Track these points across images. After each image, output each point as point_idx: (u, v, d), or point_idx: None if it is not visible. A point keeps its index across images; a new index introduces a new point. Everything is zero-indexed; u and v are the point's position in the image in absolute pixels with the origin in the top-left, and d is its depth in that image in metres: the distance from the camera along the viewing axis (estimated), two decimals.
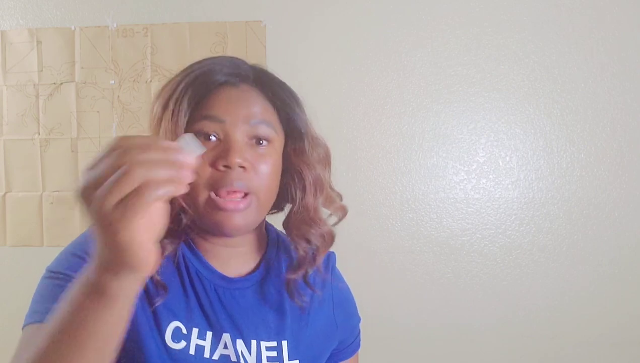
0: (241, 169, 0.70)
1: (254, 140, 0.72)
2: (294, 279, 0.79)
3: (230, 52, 1.65)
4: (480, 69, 1.63)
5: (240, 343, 0.74)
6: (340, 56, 1.65)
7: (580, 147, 1.62)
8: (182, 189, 0.45)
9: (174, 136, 0.70)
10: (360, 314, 0.92)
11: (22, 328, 0.66)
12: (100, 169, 0.44)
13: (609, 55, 1.60)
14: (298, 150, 0.78)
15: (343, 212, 0.83)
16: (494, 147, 1.65)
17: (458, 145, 1.65)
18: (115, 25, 1.69)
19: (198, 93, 0.73)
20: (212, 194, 0.69)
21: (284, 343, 0.77)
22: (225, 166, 0.69)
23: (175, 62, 1.67)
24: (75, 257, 0.69)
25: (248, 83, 0.76)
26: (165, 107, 0.72)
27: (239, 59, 0.79)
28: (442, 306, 1.66)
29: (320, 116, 0.81)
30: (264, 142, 0.73)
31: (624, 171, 1.61)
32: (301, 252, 0.79)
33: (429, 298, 1.66)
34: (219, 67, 0.75)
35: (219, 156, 0.69)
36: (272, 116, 0.75)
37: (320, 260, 0.80)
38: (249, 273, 0.80)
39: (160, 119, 0.72)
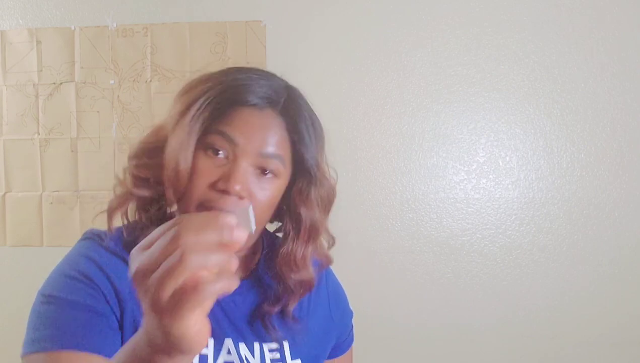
0: (237, 197, 0.68)
1: (260, 170, 0.71)
2: (270, 312, 0.77)
3: (230, 52, 1.65)
4: (480, 69, 1.63)
5: (243, 347, 0.74)
6: (340, 56, 1.65)
7: (580, 147, 1.62)
8: (234, 285, 0.44)
9: (184, 142, 0.69)
10: (360, 314, 0.93)
11: (22, 357, 0.64)
12: (153, 253, 0.42)
13: (609, 55, 1.60)
14: (303, 190, 0.76)
15: (327, 261, 0.83)
16: (494, 147, 1.65)
17: (458, 145, 1.65)
18: (115, 25, 1.68)
19: (222, 106, 0.71)
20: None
21: (285, 343, 0.77)
22: (223, 190, 0.68)
23: (175, 62, 1.67)
24: (68, 278, 0.68)
25: (274, 109, 0.73)
26: (186, 110, 0.71)
27: (277, 78, 0.77)
28: (442, 306, 1.65)
29: (321, 116, 0.80)
30: (270, 174, 0.71)
31: (624, 171, 1.61)
32: (280, 287, 0.78)
33: (429, 298, 1.66)
34: (254, 86, 0.72)
35: (221, 177, 0.68)
36: (285, 151, 0.73)
37: (293, 305, 0.78)
38: (247, 277, 0.80)
39: (177, 121, 0.71)
